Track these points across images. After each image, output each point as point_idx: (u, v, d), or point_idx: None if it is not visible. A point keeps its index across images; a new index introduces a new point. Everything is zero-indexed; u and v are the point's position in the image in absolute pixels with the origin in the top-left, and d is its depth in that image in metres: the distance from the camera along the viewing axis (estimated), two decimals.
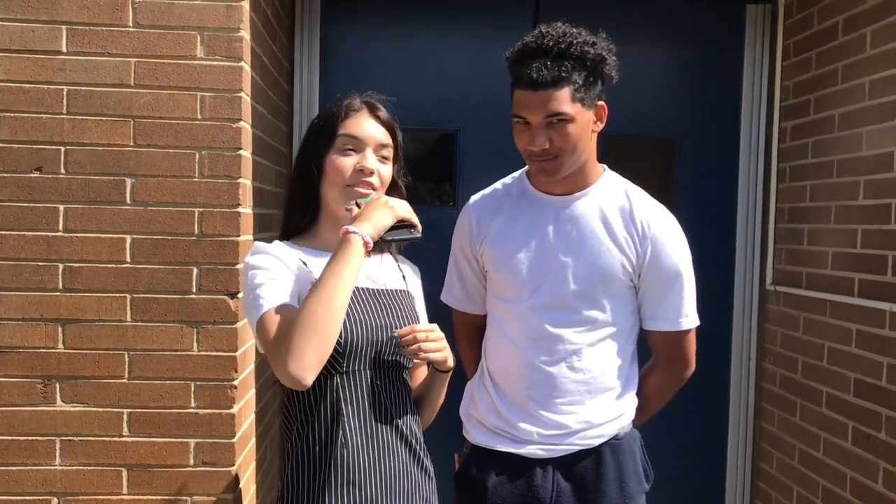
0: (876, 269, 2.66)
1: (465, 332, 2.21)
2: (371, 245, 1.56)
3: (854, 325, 2.78)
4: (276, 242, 1.68)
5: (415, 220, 1.65)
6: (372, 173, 1.68)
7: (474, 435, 2.04)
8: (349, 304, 1.57)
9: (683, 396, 3.43)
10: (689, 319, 2.03)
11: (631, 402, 2.05)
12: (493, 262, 2.02)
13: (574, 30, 1.88)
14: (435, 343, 1.64)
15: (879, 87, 2.68)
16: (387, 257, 1.84)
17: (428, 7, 3.32)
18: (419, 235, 1.67)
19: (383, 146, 1.70)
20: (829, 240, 2.95)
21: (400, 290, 1.77)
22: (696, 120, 3.41)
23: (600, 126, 1.94)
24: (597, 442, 1.97)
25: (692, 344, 2.08)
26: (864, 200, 2.74)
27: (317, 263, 1.64)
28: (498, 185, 2.12)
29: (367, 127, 1.68)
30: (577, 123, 1.85)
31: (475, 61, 3.26)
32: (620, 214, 1.97)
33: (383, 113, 1.72)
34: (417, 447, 1.71)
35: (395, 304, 1.71)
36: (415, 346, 1.60)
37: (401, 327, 1.66)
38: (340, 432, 1.59)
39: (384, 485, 1.62)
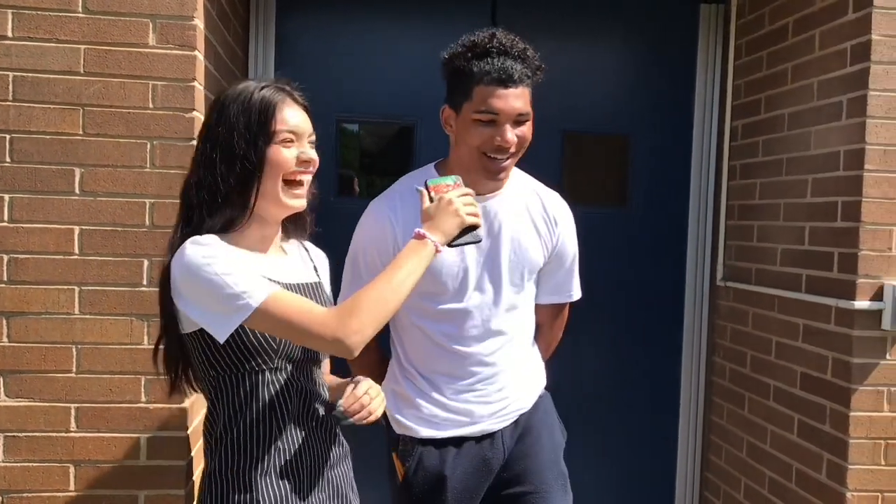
0: (822, 265, 2.73)
1: (367, 347, 2.09)
2: (441, 252, 1.65)
3: (801, 321, 2.84)
4: (209, 235, 1.56)
5: (479, 221, 1.72)
6: (314, 162, 1.66)
7: (420, 430, 2.05)
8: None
9: (635, 390, 3.49)
10: (577, 291, 2.28)
11: (541, 358, 2.27)
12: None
13: (516, 37, 1.97)
14: (378, 399, 1.64)
15: (827, 88, 2.74)
16: (297, 245, 1.81)
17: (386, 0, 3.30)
18: (481, 239, 1.76)
19: (312, 133, 1.67)
20: (778, 237, 3.02)
21: (314, 283, 1.76)
22: (649, 117, 3.45)
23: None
24: (530, 403, 2.16)
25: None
26: (812, 198, 2.81)
27: (251, 259, 1.61)
28: (405, 186, 2.04)
29: (298, 117, 1.64)
30: (531, 123, 1.96)
31: (433, 54, 3.21)
32: (536, 208, 2.11)
33: (301, 97, 1.67)
34: (336, 429, 1.74)
35: (311, 298, 1.68)
36: (364, 412, 1.60)
37: None
38: (273, 425, 1.60)
39: (311, 472, 1.65)
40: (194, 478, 2.32)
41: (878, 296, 2.55)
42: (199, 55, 2.23)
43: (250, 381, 1.58)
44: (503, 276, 2.04)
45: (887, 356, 2.57)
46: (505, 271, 2.04)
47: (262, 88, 1.61)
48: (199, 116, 2.23)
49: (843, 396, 2.60)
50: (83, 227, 2.19)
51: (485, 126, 1.90)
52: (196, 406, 2.33)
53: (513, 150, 1.92)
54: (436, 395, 2.05)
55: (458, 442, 2.06)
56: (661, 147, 3.47)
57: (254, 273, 1.54)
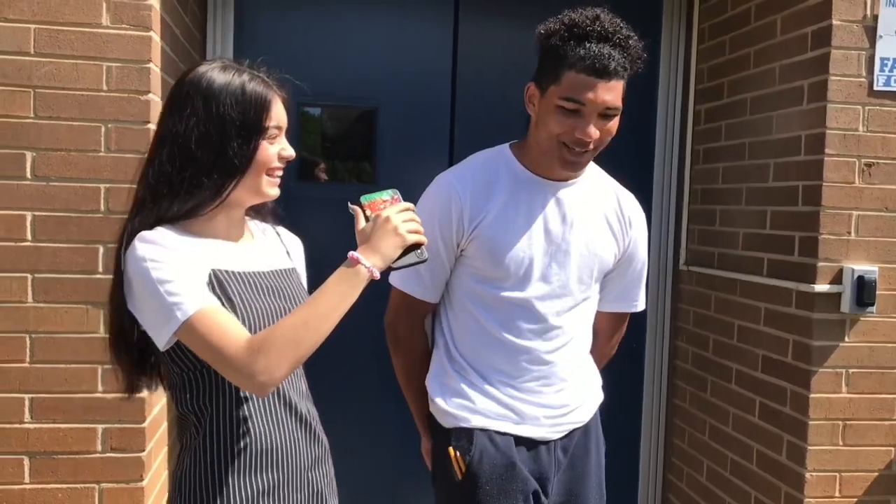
0: (783, 249, 2.75)
1: (416, 323, 2.00)
2: (378, 277, 1.49)
3: (763, 304, 2.87)
4: (162, 230, 1.49)
5: (422, 239, 1.55)
6: (291, 158, 1.61)
7: (472, 419, 1.90)
8: (245, 292, 1.52)
9: (600, 373, 3.51)
10: (643, 302, 2.14)
11: (598, 373, 2.12)
12: (489, 249, 1.87)
13: (621, 21, 1.82)
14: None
15: (788, 73, 2.76)
16: (269, 231, 1.75)
17: None
18: (426, 258, 1.57)
19: (286, 128, 1.62)
20: (740, 221, 3.04)
21: (287, 269, 1.70)
22: None
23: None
24: (587, 417, 2.03)
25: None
26: (774, 182, 2.83)
27: (210, 252, 1.54)
28: (477, 163, 1.93)
29: (283, 112, 1.58)
30: (618, 118, 1.83)
31: (395, 38, 3.21)
32: (612, 205, 1.99)
33: (281, 88, 1.60)
34: (315, 426, 1.68)
35: (285, 285, 1.64)
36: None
37: (291, 309, 1.59)
38: (243, 421, 1.55)
39: (285, 468, 1.61)
40: (153, 470, 2.28)
41: (837, 279, 2.58)
42: (155, 36, 2.17)
43: (217, 376, 1.52)
44: (571, 270, 1.90)
45: (846, 339, 2.61)
46: (574, 265, 1.90)
47: (252, 80, 1.53)
48: (155, 99, 2.17)
49: (803, 379, 2.64)
50: (36, 213, 2.13)
51: (568, 115, 1.77)
52: (154, 396, 2.29)
53: (593, 144, 1.80)
54: (489, 389, 1.91)
55: (512, 440, 1.91)
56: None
57: (196, 281, 1.46)
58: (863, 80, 2.56)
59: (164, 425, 2.43)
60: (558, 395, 1.94)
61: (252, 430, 1.56)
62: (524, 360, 1.90)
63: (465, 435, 1.89)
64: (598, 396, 2.10)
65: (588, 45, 1.75)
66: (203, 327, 1.41)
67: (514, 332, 1.89)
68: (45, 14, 2.10)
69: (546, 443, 1.95)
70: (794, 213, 2.70)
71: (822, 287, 2.57)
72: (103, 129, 2.14)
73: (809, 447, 2.62)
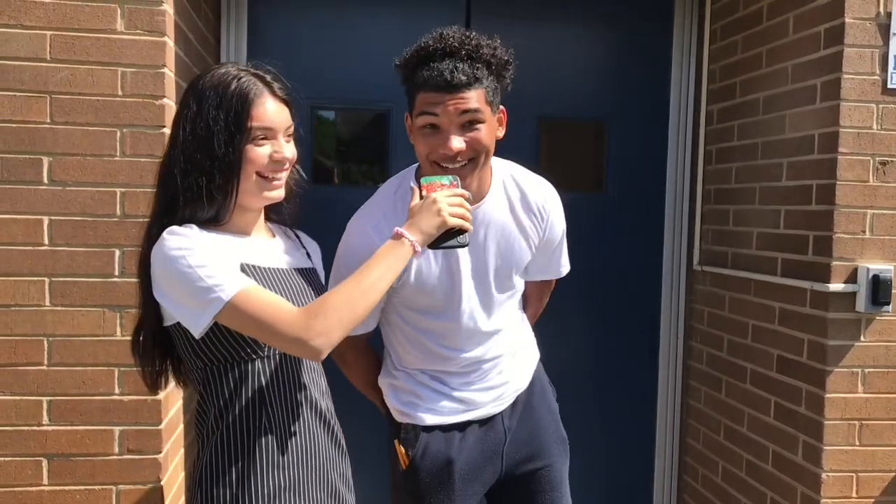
0: (798, 248, 2.74)
1: (360, 347, 2.08)
2: (420, 253, 1.58)
3: (777, 304, 2.86)
4: (193, 227, 1.53)
5: (466, 225, 1.64)
6: (289, 161, 1.62)
7: (426, 418, 2.02)
8: (269, 286, 1.55)
9: (614, 374, 3.50)
10: (566, 266, 2.26)
11: (530, 327, 2.27)
12: (413, 282, 1.92)
13: (474, 33, 1.82)
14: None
15: (801, 72, 2.75)
16: (289, 232, 1.78)
17: None
18: (467, 243, 1.66)
19: (290, 126, 1.62)
20: (754, 220, 3.03)
21: (308, 269, 1.73)
22: (625, 102, 3.44)
23: (502, 132, 1.91)
24: (528, 380, 2.16)
25: None
26: (787, 182, 2.82)
27: (235, 248, 1.58)
28: (382, 201, 1.94)
29: (276, 113, 1.58)
30: (489, 126, 1.81)
31: (407, 39, 3.21)
32: (519, 205, 2.01)
33: (281, 89, 1.61)
34: (334, 424, 1.70)
35: (306, 284, 1.67)
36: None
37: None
38: (264, 416, 1.56)
39: (305, 465, 1.62)
40: (170, 471, 2.29)
41: (852, 278, 2.57)
42: (169, 41, 2.19)
43: (240, 371, 1.55)
44: (492, 284, 1.99)
45: (861, 338, 2.60)
46: (492, 279, 1.99)
47: (240, 79, 1.55)
48: (169, 104, 2.19)
49: (818, 378, 2.62)
50: (52, 218, 2.15)
51: (429, 134, 1.78)
52: (171, 398, 2.31)
53: (463, 156, 1.77)
54: (439, 387, 2.04)
55: (461, 427, 2.05)
56: (638, 132, 3.47)
57: (230, 266, 1.50)
58: (876, 77, 2.55)
59: (181, 427, 2.45)
60: (499, 375, 2.08)
61: (274, 426, 1.57)
62: (468, 363, 2.03)
63: (413, 430, 2.02)
64: (535, 355, 2.23)
65: (433, 64, 1.76)
66: (249, 305, 1.45)
67: (451, 345, 2.00)
68: (61, 21, 2.12)
69: (493, 416, 2.08)
70: (808, 212, 2.69)
71: (836, 286, 2.56)
72: (118, 134, 2.16)
73: (825, 447, 2.60)
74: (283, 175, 1.62)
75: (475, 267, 1.96)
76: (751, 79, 3.06)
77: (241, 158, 1.54)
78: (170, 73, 2.20)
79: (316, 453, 1.64)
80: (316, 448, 1.64)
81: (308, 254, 1.79)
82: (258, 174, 1.57)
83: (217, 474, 1.55)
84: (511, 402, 2.11)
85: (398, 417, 2.05)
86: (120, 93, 2.16)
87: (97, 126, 2.15)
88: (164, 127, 2.16)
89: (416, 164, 1.97)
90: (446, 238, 1.62)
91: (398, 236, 1.57)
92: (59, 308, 2.17)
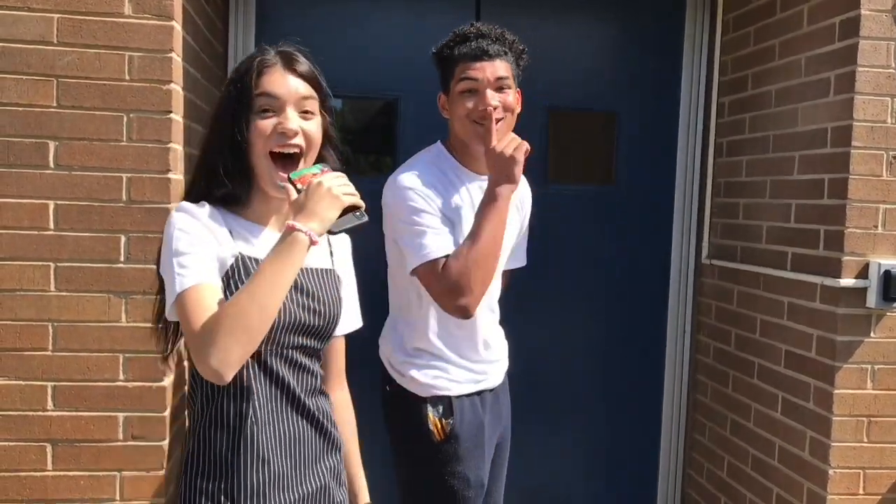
0: (808, 243, 2.72)
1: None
2: (318, 242, 1.45)
3: (786, 298, 2.83)
4: (206, 206, 1.53)
5: (359, 202, 1.53)
6: (296, 134, 1.54)
7: (455, 388, 2.24)
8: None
9: (620, 368, 3.49)
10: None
11: None
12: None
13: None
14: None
15: (815, 64, 2.71)
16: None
17: None
18: (366, 219, 1.55)
19: (305, 99, 1.55)
20: (764, 214, 3.00)
21: (324, 270, 1.68)
22: (636, 94, 3.42)
23: (518, 108, 2.21)
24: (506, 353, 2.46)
25: None
26: (799, 175, 2.79)
27: (245, 236, 1.57)
28: (424, 162, 2.23)
29: (283, 83, 1.52)
30: (514, 93, 2.18)
31: (415, 28, 3.20)
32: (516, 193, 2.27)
33: (302, 64, 1.56)
34: (323, 418, 1.66)
35: (316, 285, 1.62)
36: None
37: (319, 310, 1.62)
38: (250, 410, 1.53)
39: (290, 459, 1.59)
40: (174, 458, 2.28)
41: (863, 273, 2.54)
42: (177, 25, 2.17)
43: None
44: (506, 258, 2.31)
45: (871, 334, 2.57)
46: (507, 255, 2.32)
47: (256, 54, 1.55)
48: (176, 89, 2.17)
49: (827, 374, 2.60)
50: (58, 202, 2.14)
51: (468, 97, 2.14)
52: (176, 385, 2.29)
53: (498, 114, 2.12)
54: (460, 360, 2.25)
55: (481, 395, 2.31)
56: (648, 124, 3.44)
57: (207, 259, 1.47)
58: (892, 71, 2.52)
59: (185, 413, 2.44)
60: (500, 350, 2.39)
61: (258, 421, 1.54)
62: (480, 336, 2.28)
63: (445, 401, 2.22)
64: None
65: (468, 42, 2.15)
66: (187, 305, 1.41)
67: (472, 319, 2.18)
68: (68, 4, 2.10)
69: (495, 387, 2.37)
70: (820, 206, 2.66)
71: (847, 281, 2.54)
72: (125, 119, 2.14)
73: (833, 443, 2.58)
74: (301, 165, 1.56)
75: (519, 221, 2.33)
76: (763, 71, 3.03)
77: (249, 131, 1.51)
78: (177, 58, 2.18)
79: (303, 449, 1.62)
80: (303, 444, 1.62)
81: (332, 251, 1.76)
82: (272, 155, 1.54)
83: (201, 464, 1.54)
84: (504, 376, 2.41)
85: (422, 392, 2.22)
86: (127, 77, 2.14)
87: (104, 110, 2.13)
88: (170, 112, 2.14)
89: (439, 145, 2.30)
90: (343, 220, 1.51)
91: (290, 230, 1.43)
92: (65, 293, 2.16)
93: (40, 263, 2.14)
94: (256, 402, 1.55)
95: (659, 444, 3.58)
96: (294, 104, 1.54)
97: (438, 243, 2.08)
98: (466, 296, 2.04)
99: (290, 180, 1.53)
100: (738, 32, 3.21)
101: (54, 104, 2.12)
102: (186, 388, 1.61)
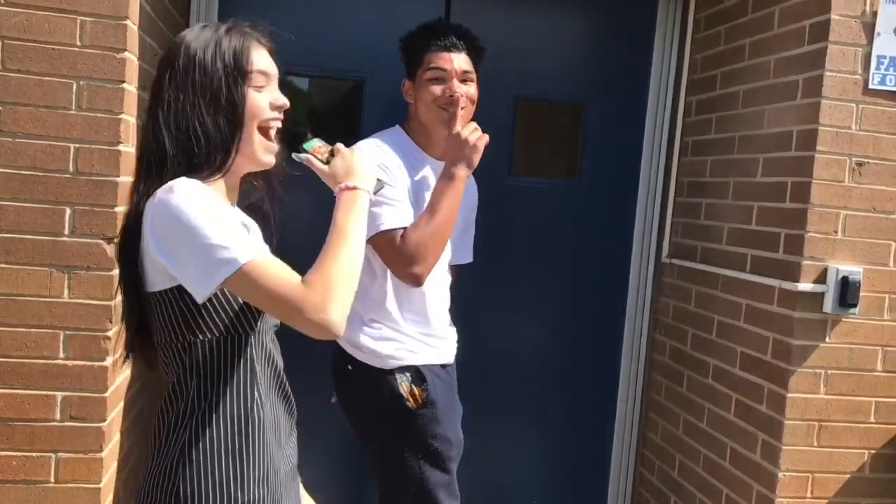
0: (768, 246, 2.71)
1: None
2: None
3: (744, 300, 2.83)
4: (196, 182, 1.45)
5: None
6: (285, 107, 1.60)
7: (420, 358, 2.36)
8: None
9: (575, 363, 3.47)
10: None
11: None
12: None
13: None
14: None
15: (784, 66, 2.70)
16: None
17: None
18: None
19: (277, 76, 1.61)
20: (726, 215, 3.00)
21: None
22: (604, 88, 3.38)
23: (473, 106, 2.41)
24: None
25: None
26: (762, 178, 2.78)
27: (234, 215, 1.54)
28: (386, 141, 2.39)
29: (269, 60, 1.58)
30: (475, 88, 2.40)
31: (384, 9, 3.13)
32: None
33: (267, 41, 1.60)
34: (292, 397, 1.67)
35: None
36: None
37: None
38: (255, 391, 1.50)
39: (277, 440, 1.58)
40: (113, 441, 2.21)
41: (821, 278, 2.55)
42: None
43: (232, 345, 1.48)
44: (458, 236, 2.50)
45: (826, 339, 2.58)
46: (459, 231, 2.49)
47: (229, 31, 1.53)
48: (131, 58, 2.09)
49: (781, 378, 2.60)
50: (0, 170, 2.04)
51: (436, 84, 2.34)
52: (117, 366, 2.21)
53: (462, 103, 2.31)
54: (415, 332, 2.37)
55: (444, 367, 2.45)
56: (615, 118, 3.41)
57: (241, 228, 1.44)
58: (858, 77, 2.52)
59: (125, 397, 2.36)
60: (448, 326, 2.52)
61: (263, 402, 1.51)
62: (431, 307, 2.41)
63: (411, 371, 2.34)
64: None
65: (437, 34, 2.35)
66: (264, 274, 1.38)
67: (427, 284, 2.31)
68: None
69: (449, 365, 2.50)
70: (782, 209, 2.66)
71: (805, 286, 2.54)
72: (75, 87, 2.05)
73: (784, 447, 2.59)
74: (277, 128, 1.59)
75: (462, 215, 2.42)
76: (732, 71, 3.02)
77: (244, 101, 1.51)
78: (133, 25, 2.09)
79: (282, 427, 1.61)
80: (282, 422, 1.61)
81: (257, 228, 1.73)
82: (259, 129, 1.53)
83: (206, 454, 1.46)
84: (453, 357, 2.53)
85: (384, 364, 2.32)
86: (78, 43, 2.04)
87: (52, 76, 2.04)
88: (123, 82, 2.06)
89: (396, 126, 2.47)
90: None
91: (352, 190, 1.55)
92: (3, 265, 2.06)
93: None
94: (260, 383, 1.51)
95: (612, 441, 3.57)
96: (275, 80, 1.60)
97: (397, 214, 2.24)
98: (420, 264, 2.20)
99: (306, 153, 1.68)
100: (710, 31, 3.20)
101: None
102: (170, 384, 1.51)
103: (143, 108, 2.24)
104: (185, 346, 1.47)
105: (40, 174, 2.05)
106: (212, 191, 1.47)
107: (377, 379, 2.33)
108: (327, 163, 1.65)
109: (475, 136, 2.26)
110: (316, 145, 1.70)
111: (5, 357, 2.08)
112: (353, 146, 2.15)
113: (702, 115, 3.22)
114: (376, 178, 1.66)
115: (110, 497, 2.23)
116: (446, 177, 2.26)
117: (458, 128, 2.28)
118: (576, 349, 3.47)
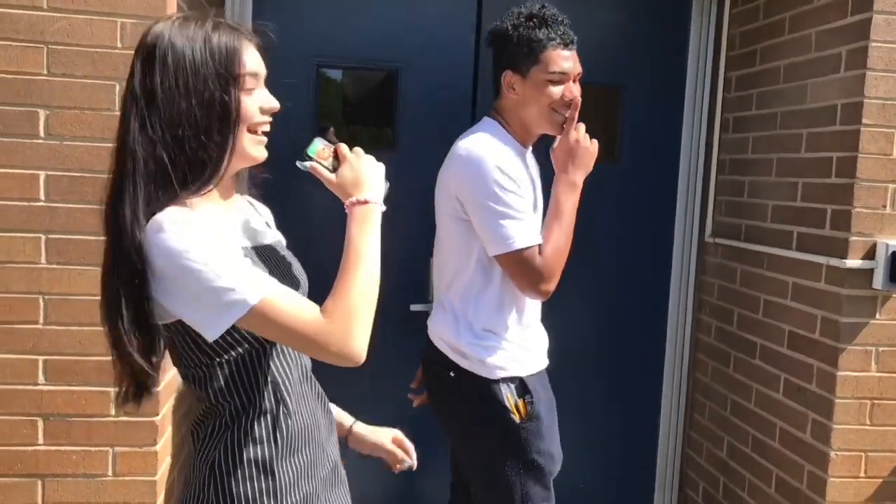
0: (814, 222, 2.67)
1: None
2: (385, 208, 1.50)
3: (791, 279, 2.79)
4: (187, 211, 1.35)
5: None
6: (276, 110, 1.49)
7: (529, 367, 2.26)
8: (267, 269, 1.44)
9: (620, 346, 3.45)
10: None
11: None
12: None
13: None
14: None
15: (825, 39, 2.65)
16: (243, 204, 1.62)
17: None
18: (388, 184, 1.58)
19: (265, 76, 1.49)
20: (770, 193, 2.95)
21: (280, 242, 1.62)
22: (642, 68, 3.34)
23: None
24: None
25: None
26: (806, 153, 2.73)
27: (229, 223, 1.47)
28: (496, 138, 2.19)
29: (257, 59, 1.45)
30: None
31: None
32: None
33: (255, 36, 1.48)
34: (324, 396, 1.64)
35: (283, 260, 1.56)
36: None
37: (302, 279, 1.56)
38: (282, 402, 1.48)
39: (314, 442, 1.56)
40: (167, 435, 2.26)
41: (870, 254, 2.50)
42: None
43: (259, 357, 1.45)
44: None
45: (877, 316, 2.53)
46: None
47: (217, 26, 1.40)
48: None
49: (830, 356, 2.57)
50: (49, 173, 2.09)
51: (555, 85, 2.18)
52: (169, 363, 2.25)
53: (577, 103, 2.20)
54: (525, 342, 2.27)
55: (541, 373, 2.34)
56: (653, 99, 3.37)
57: (244, 260, 1.35)
58: None
59: (176, 392, 2.41)
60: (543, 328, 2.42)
61: (290, 411, 1.49)
62: (537, 306, 2.34)
63: (517, 381, 2.23)
64: None
65: (550, 27, 2.17)
66: (274, 312, 1.31)
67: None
68: None
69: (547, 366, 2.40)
70: (827, 185, 2.61)
71: (853, 262, 2.49)
72: (117, 88, 2.09)
73: (835, 426, 2.55)
74: (263, 135, 1.48)
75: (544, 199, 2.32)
76: (772, 46, 2.96)
77: (238, 106, 1.39)
78: None
79: (319, 429, 1.57)
80: (318, 424, 1.58)
81: (267, 222, 1.66)
82: (249, 130, 1.44)
83: (240, 466, 1.45)
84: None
85: (491, 374, 2.20)
86: (119, 45, 2.08)
87: (95, 79, 2.08)
88: None
89: (489, 120, 2.27)
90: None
91: (363, 204, 1.46)
92: (56, 266, 2.12)
93: (31, 235, 2.10)
94: (287, 394, 1.48)
95: (658, 423, 3.56)
96: (263, 81, 1.48)
97: (529, 230, 2.12)
98: (553, 280, 2.13)
99: (310, 159, 1.52)
100: (748, 6, 3.14)
101: (44, 72, 2.07)
102: (214, 392, 1.48)
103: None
104: (205, 368, 1.43)
105: (87, 175, 2.10)
106: (205, 210, 1.39)
107: (482, 389, 2.21)
108: (333, 169, 1.52)
109: (588, 141, 2.21)
110: (319, 148, 1.55)
111: (61, 355, 2.14)
112: (456, 146, 2.17)
113: (742, 91, 3.17)
114: (383, 182, 1.54)
115: (165, 488, 2.28)
116: (567, 185, 2.18)
117: (577, 133, 2.20)
118: (620, 332, 3.46)
